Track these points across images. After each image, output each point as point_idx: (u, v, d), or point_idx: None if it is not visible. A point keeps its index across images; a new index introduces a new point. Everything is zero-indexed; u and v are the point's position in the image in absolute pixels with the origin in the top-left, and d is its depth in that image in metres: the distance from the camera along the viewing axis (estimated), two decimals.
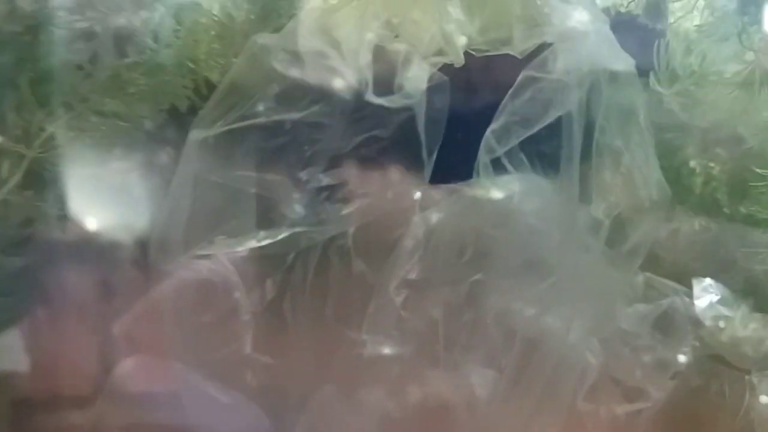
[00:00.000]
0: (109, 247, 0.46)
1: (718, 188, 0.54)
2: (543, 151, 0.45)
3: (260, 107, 0.41)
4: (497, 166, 0.44)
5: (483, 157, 0.41)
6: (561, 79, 0.40)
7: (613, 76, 0.40)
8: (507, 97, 0.41)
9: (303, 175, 0.41)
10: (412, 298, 0.48)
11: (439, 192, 0.49)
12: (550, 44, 0.42)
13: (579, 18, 0.39)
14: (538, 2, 0.39)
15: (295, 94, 0.41)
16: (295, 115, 0.40)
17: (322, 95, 0.41)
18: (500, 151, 0.41)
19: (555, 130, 0.43)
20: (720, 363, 0.50)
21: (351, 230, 0.48)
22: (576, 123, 0.39)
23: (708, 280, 0.55)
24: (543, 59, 0.41)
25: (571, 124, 0.40)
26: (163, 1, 0.49)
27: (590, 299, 0.46)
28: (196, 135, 0.41)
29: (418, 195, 0.48)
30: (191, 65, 0.47)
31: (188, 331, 0.42)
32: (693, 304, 0.54)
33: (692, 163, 0.55)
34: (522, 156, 0.44)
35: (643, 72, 0.48)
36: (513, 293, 0.47)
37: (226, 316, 0.42)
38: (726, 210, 0.54)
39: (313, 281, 0.48)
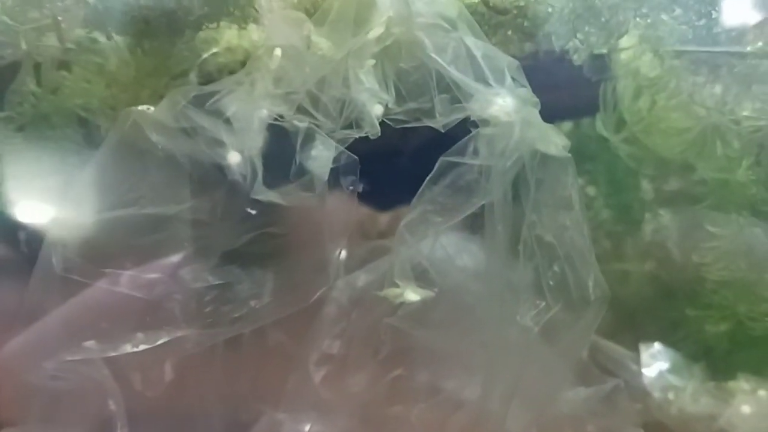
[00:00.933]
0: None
1: (669, 238, 0.52)
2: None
3: (132, 194, 0.35)
4: None
5: (398, 255, 0.35)
6: (484, 164, 0.34)
7: (545, 161, 0.35)
8: (423, 185, 0.35)
9: (185, 273, 0.35)
10: (333, 375, 0.44)
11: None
12: (474, 121, 0.36)
13: (502, 105, 0.33)
14: (456, 80, 0.33)
15: (173, 182, 0.35)
16: (171, 210, 0.34)
17: (203, 186, 0.35)
18: (415, 246, 0.35)
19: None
20: None
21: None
22: (500, 215, 0.34)
23: (657, 346, 0.52)
24: (464, 144, 0.35)
25: (493, 216, 0.34)
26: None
27: (533, 382, 0.42)
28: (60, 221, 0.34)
29: (342, 254, 0.43)
30: (83, 114, 0.40)
31: None
32: (640, 372, 0.51)
33: (643, 211, 0.53)
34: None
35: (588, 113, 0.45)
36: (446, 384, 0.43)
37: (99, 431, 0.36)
38: (676, 260, 0.51)
39: (223, 355, 0.44)
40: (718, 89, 0.46)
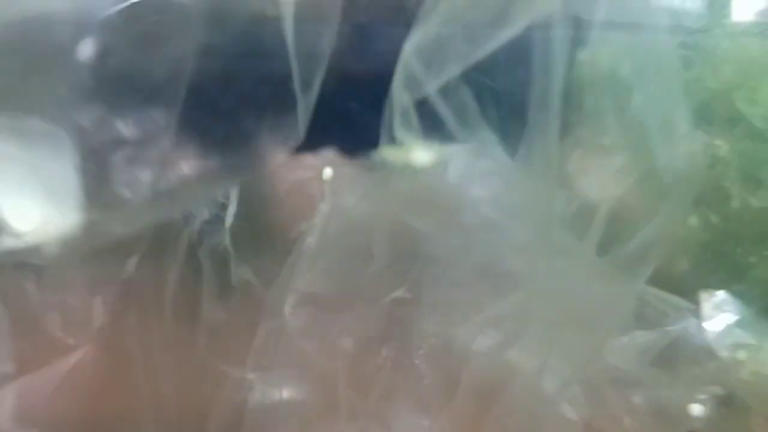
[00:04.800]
0: None
1: (724, 173, 0.43)
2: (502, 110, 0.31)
3: None
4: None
5: (398, 96, 0.24)
6: None
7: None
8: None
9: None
10: (314, 322, 0.36)
11: (352, 167, 0.37)
12: None
13: None
14: None
15: None
16: None
17: None
18: (429, 85, 0.24)
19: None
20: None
21: (228, 224, 0.36)
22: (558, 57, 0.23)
23: (721, 294, 0.43)
24: None
25: (547, 59, 0.24)
26: None
27: (573, 327, 0.34)
28: None
29: (327, 172, 0.37)
30: None
31: None
32: (702, 327, 0.42)
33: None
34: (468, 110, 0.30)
35: None
36: (455, 317, 0.35)
37: None
38: (734, 203, 0.43)
39: (174, 298, 0.36)
40: None
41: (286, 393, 0.37)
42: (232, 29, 0.31)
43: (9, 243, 0.33)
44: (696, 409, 0.40)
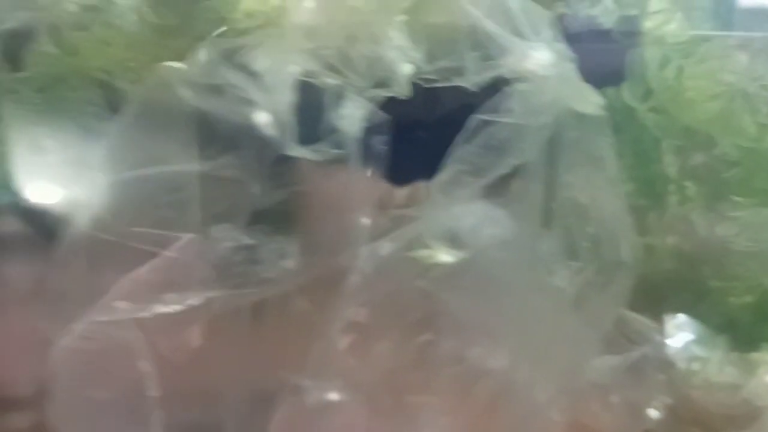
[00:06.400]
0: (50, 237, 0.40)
1: (694, 209, 0.50)
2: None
3: (162, 152, 0.34)
4: None
5: (429, 216, 0.34)
6: (518, 123, 0.33)
7: (579, 120, 0.34)
8: (454, 144, 0.34)
9: (216, 232, 0.34)
10: (357, 343, 0.44)
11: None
12: (507, 80, 0.35)
13: (538, 58, 0.32)
14: (491, 34, 0.32)
15: (204, 139, 0.34)
16: (203, 167, 0.33)
17: (235, 143, 0.34)
18: (447, 207, 0.34)
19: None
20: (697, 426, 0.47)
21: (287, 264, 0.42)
22: (534, 175, 0.33)
23: (682, 317, 0.52)
24: (497, 101, 0.34)
25: (528, 175, 0.33)
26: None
27: (561, 351, 0.42)
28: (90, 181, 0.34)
29: (365, 221, 0.42)
30: (102, 77, 0.40)
31: (86, 410, 0.35)
32: (664, 343, 0.51)
33: (667, 181, 0.51)
34: None
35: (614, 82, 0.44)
36: (468, 344, 0.43)
37: (129, 392, 0.35)
38: (700, 232, 0.50)
39: (248, 322, 0.43)
40: (746, 56, 0.45)
41: (334, 397, 0.44)
42: None
43: None
44: (653, 413, 0.48)
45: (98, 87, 0.41)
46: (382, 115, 0.36)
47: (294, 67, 0.34)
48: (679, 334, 0.51)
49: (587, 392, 0.46)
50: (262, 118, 0.34)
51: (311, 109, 0.35)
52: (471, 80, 0.35)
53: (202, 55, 0.34)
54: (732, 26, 0.48)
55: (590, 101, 0.34)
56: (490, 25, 0.33)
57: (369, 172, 0.37)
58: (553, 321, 0.41)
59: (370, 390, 0.44)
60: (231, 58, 0.35)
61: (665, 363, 0.50)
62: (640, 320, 0.50)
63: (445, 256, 0.36)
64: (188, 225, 0.36)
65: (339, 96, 0.35)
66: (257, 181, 0.35)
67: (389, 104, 0.38)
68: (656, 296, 0.51)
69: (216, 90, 0.34)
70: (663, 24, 0.45)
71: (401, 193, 0.45)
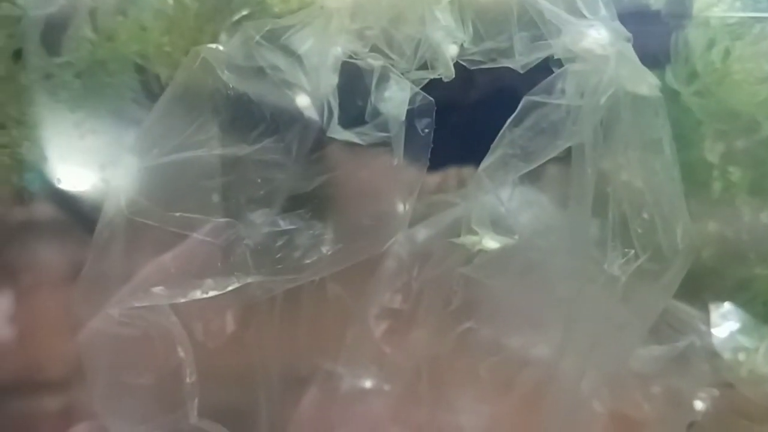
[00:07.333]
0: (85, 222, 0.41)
1: (737, 195, 0.49)
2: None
3: (201, 136, 0.33)
4: None
5: (475, 200, 0.33)
6: (571, 104, 0.32)
7: (635, 102, 0.32)
8: (505, 126, 0.33)
9: (255, 217, 0.33)
10: (393, 329, 0.43)
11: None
12: (558, 60, 0.33)
13: (596, 37, 0.31)
14: (545, 12, 0.31)
15: (244, 122, 0.33)
16: (243, 150, 0.32)
17: (276, 126, 0.33)
18: (494, 190, 0.33)
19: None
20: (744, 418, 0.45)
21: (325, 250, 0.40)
22: (589, 158, 0.32)
23: (727, 306, 0.50)
24: (550, 82, 0.33)
25: (582, 159, 0.32)
26: None
27: (608, 341, 0.40)
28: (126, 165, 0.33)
29: (402, 208, 0.41)
30: (139, 61, 0.39)
31: (122, 395, 0.35)
32: (709, 333, 0.49)
33: (711, 168, 0.50)
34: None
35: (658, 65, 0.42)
36: (512, 332, 0.42)
37: (168, 378, 0.35)
38: (746, 219, 0.49)
39: (282, 308, 0.43)
40: None
41: (368, 384, 0.44)
42: None
43: None
44: (698, 404, 0.47)
45: (136, 72, 0.41)
46: (426, 98, 0.34)
47: (337, 49, 0.33)
48: (725, 323, 0.50)
49: (630, 383, 0.45)
50: (304, 100, 0.33)
51: (355, 92, 0.34)
52: (519, 62, 0.34)
53: (240, 37, 0.33)
54: None
55: (648, 82, 0.32)
56: (544, 4, 0.32)
57: (411, 157, 0.35)
58: (601, 310, 0.39)
59: (405, 378, 0.43)
60: (273, 40, 0.33)
61: (710, 353, 0.49)
62: (685, 309, 0.50)
63: (491, 242, 0.34)
64: (226, 210, 0.35)
65: (383, 78, 0.34)
66: (297, 165, 0.34)
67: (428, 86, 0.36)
68: (700, 284, 0.50)
69: (258, 72, 0.33)
70: (712, 5, 0.43)
71: (433, 178, 0.45)
